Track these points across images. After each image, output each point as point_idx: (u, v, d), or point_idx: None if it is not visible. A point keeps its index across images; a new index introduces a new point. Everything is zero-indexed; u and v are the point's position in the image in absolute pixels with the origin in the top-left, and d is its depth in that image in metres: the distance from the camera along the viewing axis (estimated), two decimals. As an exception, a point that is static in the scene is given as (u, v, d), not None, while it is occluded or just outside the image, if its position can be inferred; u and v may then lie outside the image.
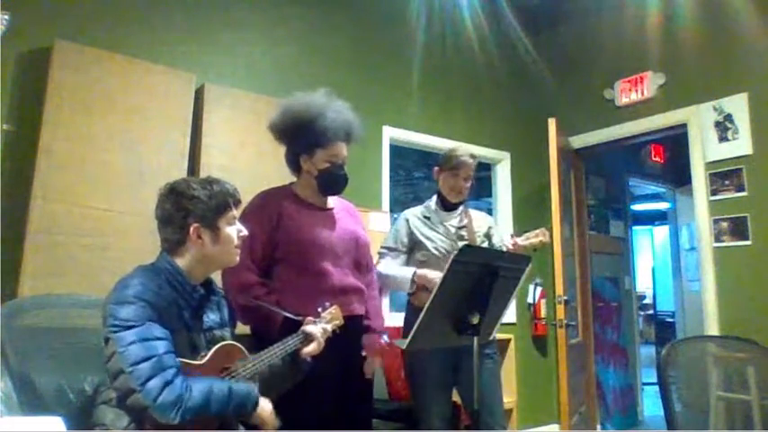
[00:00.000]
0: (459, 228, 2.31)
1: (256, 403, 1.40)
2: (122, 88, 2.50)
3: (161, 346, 1.28)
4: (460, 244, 2.24)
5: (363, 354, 2.01)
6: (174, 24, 2.89)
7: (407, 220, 2.34)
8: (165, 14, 2.87)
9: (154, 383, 1.23)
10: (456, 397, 2.29)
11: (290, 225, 1.91)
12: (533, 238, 2.21)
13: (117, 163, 2.44)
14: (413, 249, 2.31)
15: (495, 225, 2.48)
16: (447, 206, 2.35)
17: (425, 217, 2.34)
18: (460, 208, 2.38)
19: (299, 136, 1.94)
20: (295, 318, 1.69)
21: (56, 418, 1.13)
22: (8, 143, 2.34)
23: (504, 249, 2.21)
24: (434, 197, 2.39)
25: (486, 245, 2.28)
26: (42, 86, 2.32)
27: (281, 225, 1.90)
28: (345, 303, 1.88)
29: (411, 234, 2.31)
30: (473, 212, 2.42)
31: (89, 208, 2.34)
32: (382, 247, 2.36)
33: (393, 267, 2.27)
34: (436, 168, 2.38)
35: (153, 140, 2.55)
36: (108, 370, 1.28)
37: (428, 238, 2.28)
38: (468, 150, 2.35)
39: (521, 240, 2.19)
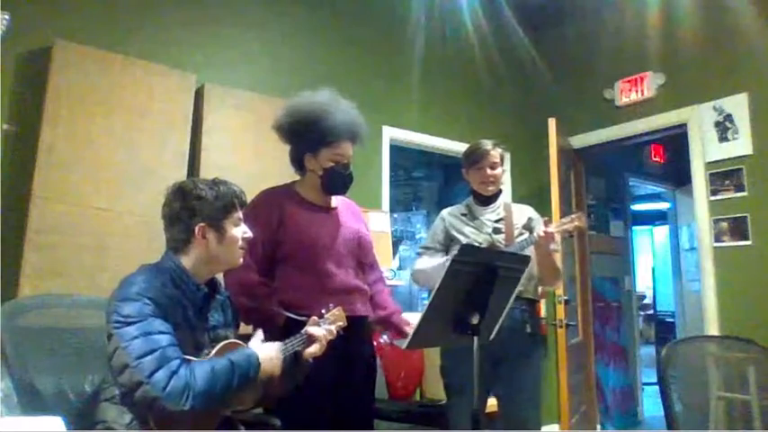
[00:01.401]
0: (497, 221, 2.28)
1: (258, 366, 1.40)
2: (122, 88, 2.50)
3: (164, 340, 1.29)
4: (495, 237, 2.23)
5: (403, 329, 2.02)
6: (174, 24, 2.89)
7: (444, 219, 2.34)
8: (165, 14, 2.87)
9: (160, 375, 1.24)
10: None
11: (293, 225, 1.90)
12: (568, 224, 2.13)
13: (117, 163, 2.44)
14: (449, 246, 2.29)
15: (538, 216, 2.36)
16: (483, 200, 2.32)
17: (462, 214, 2.32)
18: (499, 201, 2.34)
19: (305, 134, 1.93)
20: (298, 318, 1.69)
21: (56, 418, 1.13)
22: (8, 143, 2.34)
23: (537, 237, 2.12)
24: (471, 194, 2.37)
25: (525, 236, 2.23)
26: (42, 86, 2.32)
27: (284, 225, 1.90)
28: (348, 303, 1.87)
29: (446, 232, 2.30)
30: (514, 205, 2.38)
31: (89, 208, 2.34)
32: (419, 247, 2.37)
33: (428, 263, 2.26)
34: (463, 169, 2.37)
35: (153, 140, 2.55)
36: (112, 366, 1.29)
37: (462, 234, 2.26)
38: (487, 141, 2.32)
39: (552, 228, 2.11)
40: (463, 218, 2.31)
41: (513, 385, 2.14)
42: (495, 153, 2.28)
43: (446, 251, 2.30)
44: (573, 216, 2.17)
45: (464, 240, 2.23)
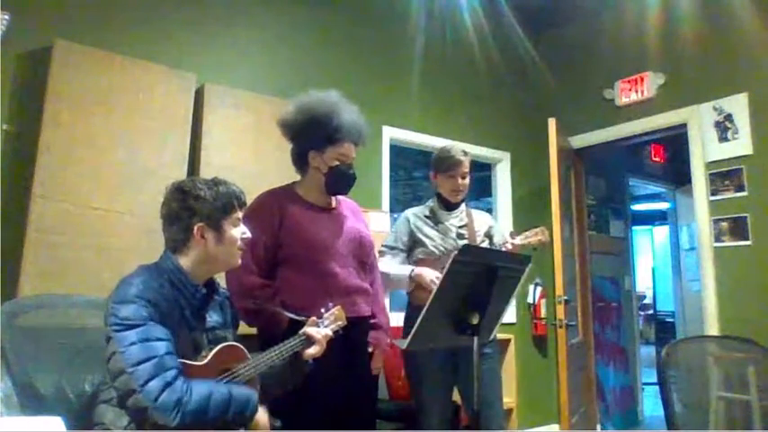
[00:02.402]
0: (460, 227, 2.32)
1: (255, 409, 1.39)
2: (122, 88, 2.49)
3: (162, 347, 1.28)
4: (460, 243, 2.25)
5: (370, 350, 2.01)
6: (174, 24, 2.89)
7: (408, 220, 2.36)
8: (165, 14, 2.87)
9: (154, 384, 1.22)
10: (456, 397, 2.29)
11: (294, 226, 1.90)
12: (532, 237, 2.22)
13: (117, 163, 2.44)
14: (412, 248, 2.32)
15: (496, 224, 2.49)
16: (448, 205, 2.35)
17: (426, 216, 2.35)
18: (462, 207, 2.38)
19: (312, 131, 1.93)
20: (298, 319, 1.69)
21: (56, 418, 1.13)
22: (8, 143, 2.34)
23: (503, 249, 2.21)
24: (435, 197, 2.39)
25: (485, 244, 2.28)
26: (42, 86, 2.32)
27: (285, 226, 1.89)
28: (350, 304, 1.87)
29: (411, 233, 2.32)
30: (474, 212, 2.43)
31: (89, 208, 2.34)
32: (383, 246, 2.37)
33: (392, 266, 2.28)
34: (431, 173, 2.38)
35: (153, 140, 2.55)
36: (108, 369, 1.28)
37: (428, 237, 2.29)
38: (458, 148, 2.35)
39: (518, 240, 2.20)
40: (427, 220, 2.34)
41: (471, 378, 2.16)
42: (467, 162, 2.33)
43: (408, 252, 2.33)
44: (537, 230, 2.24)
45: (429, 243, 2.28)
